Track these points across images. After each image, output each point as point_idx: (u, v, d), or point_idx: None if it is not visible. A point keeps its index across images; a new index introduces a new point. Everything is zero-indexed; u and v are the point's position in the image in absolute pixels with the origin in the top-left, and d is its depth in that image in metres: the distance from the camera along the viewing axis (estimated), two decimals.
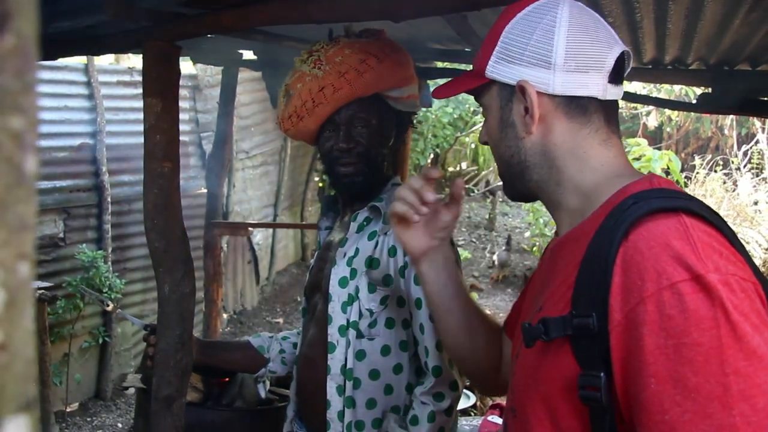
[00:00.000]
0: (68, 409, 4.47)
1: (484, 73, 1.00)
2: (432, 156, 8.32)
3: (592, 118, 0.96)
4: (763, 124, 7.88)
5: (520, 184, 1.04)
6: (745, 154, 8.27)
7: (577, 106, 0.96)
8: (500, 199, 9.02)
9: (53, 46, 2.08)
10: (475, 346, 1.22)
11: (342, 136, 1.53)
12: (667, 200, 0.83)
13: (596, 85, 0.95)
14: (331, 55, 1.51)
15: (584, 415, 0.82)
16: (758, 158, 8.03)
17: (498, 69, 0.98)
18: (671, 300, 0.75)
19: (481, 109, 1.12)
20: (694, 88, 6.39)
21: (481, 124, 1.12)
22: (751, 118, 7.79)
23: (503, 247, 7.26)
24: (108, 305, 2.01)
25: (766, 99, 2.89)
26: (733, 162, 8.34)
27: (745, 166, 8.13)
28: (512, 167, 1.02)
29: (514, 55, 0.97)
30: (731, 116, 7.99)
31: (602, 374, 0.79)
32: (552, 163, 0.98)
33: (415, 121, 1.71)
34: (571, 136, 0.96)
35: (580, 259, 0.86)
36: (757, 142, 8.16)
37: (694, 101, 3.06)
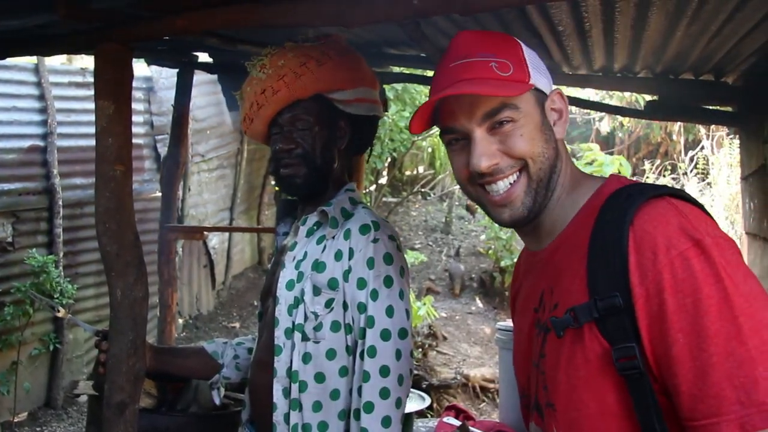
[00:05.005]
0: (16, 419, 4.35)
1: (527, 81, 1.07)
2: (389, 160, 8.34)
3: None
4: (708, 131, 8.15)
5: (542, 196, 1.08)
6: (691, 159, 8.54)
7: None
8: (456, 203, 9.11)
9: (1, 45, 2.04)
10: None
11: (282, 138, 1.56)
12: (653, 189, 0.99)
13: None
14: (274, 60, 1.55)
15: (622, 386, 0.94)
16: (704, 164, 8.29)
17: (537, 77, 1.09)
18: (681, 265, 0.90)
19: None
20: (645, 95, 6.56)
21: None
22: (697, 125, 8.05)
23: (452, 259, 7.27)
24: (59, 311, 1.97)
25: (708, 107, 3.00)
26: (680, 167, 8.61)
27: (691, 171, 8.39)
28: (546, 173, 1.07)
29: (540, 68, 1.11)
30: (679, 123, 8.25)
31: (633, 344, 0.91)
32: (564, 166, 1.11)
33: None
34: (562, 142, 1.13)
35: (585, 253, 0.98)
36: (702, 148, 8.43)
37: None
